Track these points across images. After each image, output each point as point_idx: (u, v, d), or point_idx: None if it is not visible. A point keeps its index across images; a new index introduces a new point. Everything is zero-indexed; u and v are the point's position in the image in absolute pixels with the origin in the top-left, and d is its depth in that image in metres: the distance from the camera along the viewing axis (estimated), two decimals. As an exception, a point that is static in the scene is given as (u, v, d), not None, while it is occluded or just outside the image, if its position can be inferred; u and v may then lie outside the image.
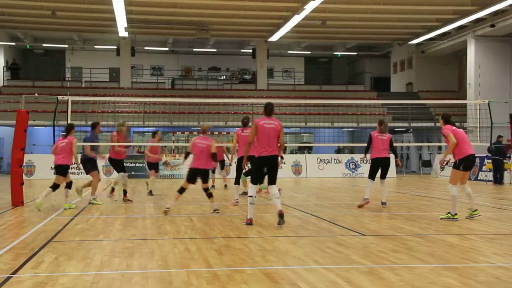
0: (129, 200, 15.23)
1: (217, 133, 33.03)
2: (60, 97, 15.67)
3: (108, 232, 9.87)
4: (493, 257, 7.69)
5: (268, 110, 10.64)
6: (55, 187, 13.31)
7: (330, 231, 9.94)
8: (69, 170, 13.61)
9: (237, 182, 14.72)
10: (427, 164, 32.59)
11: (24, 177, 15.58)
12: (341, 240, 8.89)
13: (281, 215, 10.33)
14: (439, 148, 32.64)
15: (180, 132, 32.73)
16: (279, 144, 10.52)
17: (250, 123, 14.77)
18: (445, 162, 12.59)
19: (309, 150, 34.11)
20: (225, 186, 20.84)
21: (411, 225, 10.73)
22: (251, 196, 10.62)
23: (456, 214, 11.27)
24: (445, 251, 8.02)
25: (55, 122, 15.23)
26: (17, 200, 13.97)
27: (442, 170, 29.23)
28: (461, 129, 11.71)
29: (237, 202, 14.46)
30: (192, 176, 12.35)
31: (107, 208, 13.70)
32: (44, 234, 9.49)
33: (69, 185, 13.52)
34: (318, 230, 10.05)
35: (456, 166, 11.38)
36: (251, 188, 10.69)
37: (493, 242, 8.91)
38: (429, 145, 33.65)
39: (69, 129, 13.59)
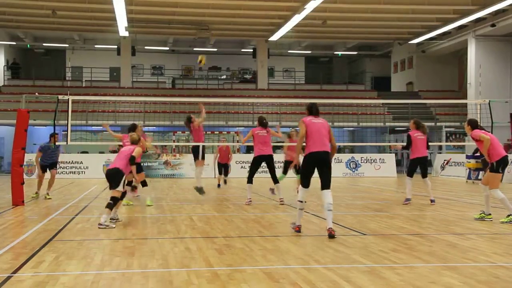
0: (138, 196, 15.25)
1: (217, 132, 33.08)
2: (60, 97, 15.57)
3: (109, 232, 9.85)
4: (493, 256, 7.68)
5: (315, 109, 9.68)
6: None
7: (331, 231, 9.90)
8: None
9: (249, 181, 14.42)
10: (428, 163, 32.38)
11: (25, 176, 15.60)
12: (342, 240, 8.88)
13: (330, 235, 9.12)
14: (440, 147, 32.61)
15: (180, 132, 32.59)
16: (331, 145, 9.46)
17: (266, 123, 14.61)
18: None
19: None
20: (225, 182, 21.20)
21: (411, 224, 10.72)
22: (301, 201, 9.63)
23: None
24: (445, 251, 8.01)
25: (55, 121, 15.16)
26: (18, 200, 13.93)
27: (443, 169, 29.15)
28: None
29: (250, 201, 14.40)
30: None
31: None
32: (45, 234, 9.48)
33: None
34: (319, 230, 10.03)
35: (494, 169, 10.98)
36: (302, 192, 9.58)
37: (494, 241, 8.91)
38: (430, 145, 33.49)
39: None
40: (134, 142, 11.33)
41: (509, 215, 10.91)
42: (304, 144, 9.50)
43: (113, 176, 10.61)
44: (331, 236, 9.01)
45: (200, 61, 15.74)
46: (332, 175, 9.23)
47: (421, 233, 9.59)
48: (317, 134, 9.29)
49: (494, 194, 10.90)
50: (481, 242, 8.82)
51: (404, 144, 14.71)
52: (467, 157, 25.22)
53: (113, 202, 10.50)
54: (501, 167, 11.00)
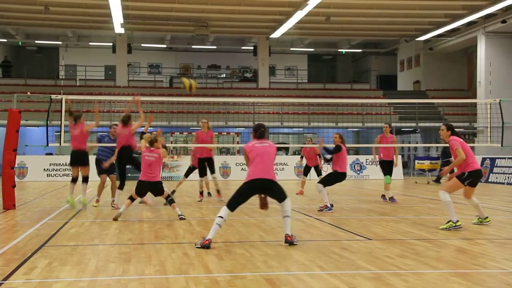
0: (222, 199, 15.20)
1: (216, 133, 32.60)
2: (53, 96, 15.56)
3: (104, 237, 9.78)
4: (504, 262, 7.54)
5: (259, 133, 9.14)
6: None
7: (334, 235, 9.91)
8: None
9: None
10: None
11: (16, 179, 15.56)
12: (346, 245, 8.80)
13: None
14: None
15: (178, 133, 32.35)
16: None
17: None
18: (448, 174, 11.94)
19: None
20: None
21: (418, 229, 10.55)
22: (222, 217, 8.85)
23: (458, 221, 10.34)
24: (454, 256, 7.91)
25: (48, 122, 15.08)
26: (9, 203, 13.73)
27: (451, 172, 28.49)
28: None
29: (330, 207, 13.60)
30: None
31: (102, 212, 13.54)
32: (37, 239, 9.38)
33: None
34: (322, 234, 10.06)
35: (462, 179, 10.46)
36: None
37: (505, 247, 8.73)
38: (438, 146, 32.91)
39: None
40: (151, 144, 11.96)
41: (449, 221, 10.42)
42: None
43: (155, 186, 11.99)
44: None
45: (190, 86, 14.64)
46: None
47: (429, 238, 9.44)
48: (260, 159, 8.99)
49: (440, 194, 10.57)
50: (491, 247, 8.68)
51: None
52: (417, 158, 25.49)
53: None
54: (471, 181, 10.54)
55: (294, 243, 8.68)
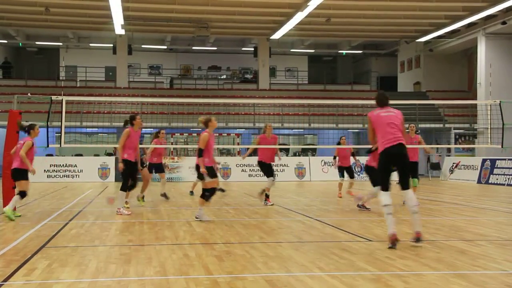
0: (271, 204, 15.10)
1: (217, 134, 32.57)
2: (54, 97, 15.25)
3: (104, 238, 9.73)
4: (505, 264, 7.52)
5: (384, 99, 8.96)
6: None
7: (334, 237, 9.87)
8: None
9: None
10: (436, 166, 31.84)
11: None
12: (346, 246, 8.77)
13: (417, 239, 8.54)
14: (448, 150, 32.22)
15: (179, 134, 32.39)
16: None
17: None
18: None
19: (313, 152, 33.65)
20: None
21: None
22: (387, 205, 8.56)
23: None
24: (454, 258, 7.85)
25: (48, 123, 14.79)
26: None
27: (452, 173, 28.68)
28: None
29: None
30: None
31: (102, 213, 13.56)
32: (37, 240, 9.36)
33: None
34: (323, 236, 9.99)
35: None
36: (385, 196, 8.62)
37: (505, 248, 8.70)
38: (438, 147, 32.96)
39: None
40: (205, 125, 11.59)
41: None
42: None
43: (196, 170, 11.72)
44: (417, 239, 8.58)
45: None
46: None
47: (429, 239, 9.32)
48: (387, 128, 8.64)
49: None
50: (492, 248, 8.61)
51: None
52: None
53: (210, 193, 11.45)
54: None
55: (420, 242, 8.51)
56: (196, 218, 11.64)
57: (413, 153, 15.19)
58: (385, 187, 8.62)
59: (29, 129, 12.54)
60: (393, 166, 8.66)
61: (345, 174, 17.65)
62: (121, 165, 12.84)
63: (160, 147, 16.82)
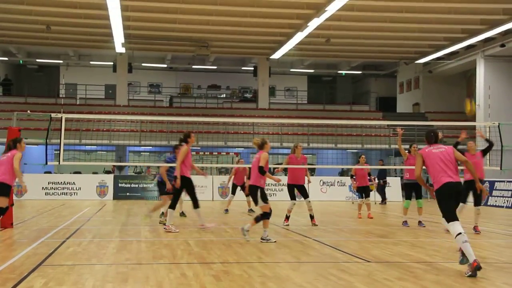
0: (315, 224, 14.99)
1: (216, 153, 32.60)
2: (53, 115, 15.39)
3: (101, 256, 9.69)
4: (503, 286, 7.51)
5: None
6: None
7: (333, 257, 9.83)
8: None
9: None
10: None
11: (14, 197, 15.41)
12: (344, 267, 8.74)
13: (476, 268, 8.07)
14: None
15: None
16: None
17: None
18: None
19: (312, 172, 33.48)
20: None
21: (417, 251, 10.53)
22: (460, 233, 8.34)
23: None
24: (453, 280, 7.83)
25: (48, 140, 14.96)
26: (6, 222, 13.52)
27: None
28: None
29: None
30: None
31: (100, 231, 13.51)
32: (34, 258, 9.30)
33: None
34: (321, 256, 10.00)
35: None
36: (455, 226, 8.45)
37: (504, 271, 8.70)
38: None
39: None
40: (260, 147, 11.56)
41: None
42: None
43: (251, 194, 11.34)
44: (477, 268, 8.05)
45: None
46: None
47: (428, 261, 9.37)
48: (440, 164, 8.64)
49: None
50: (491, 271, 8.53)
51: None
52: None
53: (261, 217, 11.16)
54: None
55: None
56: (262, 240, 11.33)
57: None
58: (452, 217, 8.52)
59: (15, 143, 11.93)
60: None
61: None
62: (178, 182, 12.72)
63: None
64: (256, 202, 11.31)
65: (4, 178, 11.54)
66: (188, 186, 12.95)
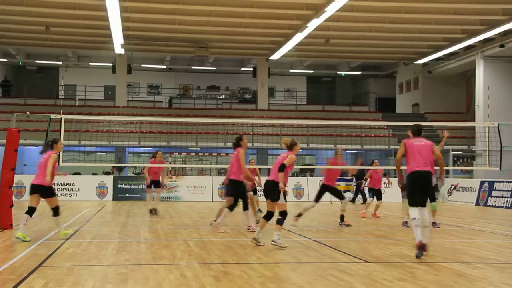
0: (348, 224, 15.09)
1: (215, 154, 32.57)
2: (53, 116, 15.54)
3: (101, 257, 9.68)
4: (503, 287, 7.49)
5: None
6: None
7: (332, 258, 9.83)
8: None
9: None
10: (434, 188, 31.66)
11: (14, 198, 15.16)
12: (344, 267, 8.74)
13: (419, 247, 9.58)
14: (447, 172, 31.95)
15: (177, 153, 32.21)
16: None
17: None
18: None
19: (311, 172, 33.51)
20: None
21: None
22: (415, 218, 9.76)
23: None
24: (453, 280, 7.81)
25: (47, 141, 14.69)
26: (6, 223, 13.61)
27: (450, 195, 28.58)
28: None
29: None
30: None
31: (99, 232, 13.56)
32: (34, 259, 9.31)
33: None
34: (320, 257, 9.97)
35: None
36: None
37: (503, 271, 8.71)
38: (436, 169, 32.84)
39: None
40: (289, 148, 11.31)
41: None
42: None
43: (269, 189, 10.92)
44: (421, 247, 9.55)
45: None
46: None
47: (427, 261, 9.36)
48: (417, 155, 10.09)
49: None
50: (490, 271, 8.61)
51: None
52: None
53: (282, 217, 10.76)
54: None
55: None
56: (273, 242, 10.73)
57: None
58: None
59: (52, 143, 12.38)
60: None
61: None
62: (250, 183, 13.23)
63: (156, 166, 17.68)
64: (276, 198, 10.75)
65: (42, 180, 11.88)
66: (240, 189, 13.28)
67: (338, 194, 15.14)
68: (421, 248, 9.55)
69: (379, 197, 18.05)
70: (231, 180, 13.36)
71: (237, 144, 13.49)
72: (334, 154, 15.52)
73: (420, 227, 9.61)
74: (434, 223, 14.91)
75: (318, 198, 14.94)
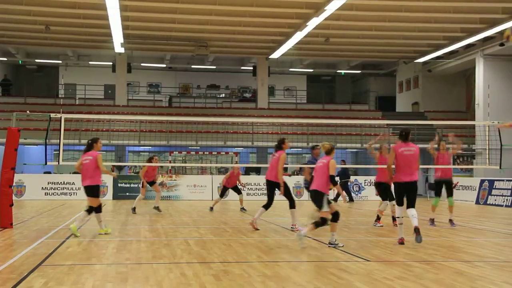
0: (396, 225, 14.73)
1: (215, 153, 32.55)
2: (53, 115, 15.40)
3: (101, 256, 9.70)
4: (503, 285, 7.48)
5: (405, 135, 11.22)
6: (91, 210, 12.61)
7: (332, 256, 9.83)
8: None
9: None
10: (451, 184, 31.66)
11: (14, 197, 15.27)
12: (344, 266, 8.73)
13: (416, 230, 10.76)
14: None
15: (177, 152, 32.19)
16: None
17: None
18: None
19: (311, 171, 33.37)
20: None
21: (417, 251, 10.46)
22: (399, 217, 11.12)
23: None
24: (453, 279, 7.80)
25: (47, 140, 15.01)
26: (6, 222, 13.60)
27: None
28: None
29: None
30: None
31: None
32: (34, 258, 9.29)
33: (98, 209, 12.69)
34: (320, 255, 9.97)
35: None
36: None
37: (503, 269, 8.70)
38: (436, 167, 32.76)
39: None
40: (327, 152, 11.18)
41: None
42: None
43: (315, 198, 10.88)
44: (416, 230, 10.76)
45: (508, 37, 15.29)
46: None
47: (427, 260, 9.37)
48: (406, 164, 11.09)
49: None
50: (490, 270, 8.58)
51: None
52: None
53: (321, 222, 10.68)
54: None
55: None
56: (330, 244, 10.77)
57: (445, 170, 15.26)
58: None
59: (92, 143, 12.74)
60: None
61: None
62: (282, 190, 13.17)
63: (152, 165, 18.77)
64: (320, 207, 10.69)
65: (93, 180, 12.40)
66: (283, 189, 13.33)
67: (390, 194, 14.55)
68: (402, 244, 10.86)
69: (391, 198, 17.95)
70: (270, 181, 13.51)
71: (279, 146, 13.52)
72: (379, 151, 15.36)
73: (404, 225, 11.05)
74: (451, 221, 15.02)
75: (385, 197, 14.72)
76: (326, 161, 10.81)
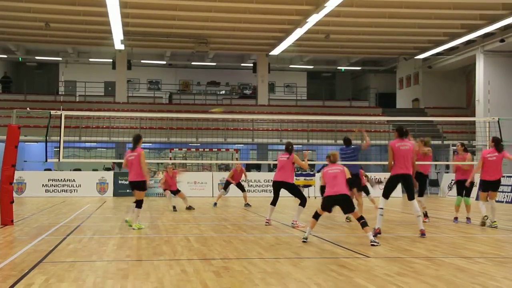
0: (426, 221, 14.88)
1: (215, 149, 32.57)
2: (53, 112, 15.50)
3: (102, 253, 9.73)
4: (504, 281, 7.49)
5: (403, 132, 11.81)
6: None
7: (333, 253, 9.85)
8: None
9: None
10: (435, 183, 31.75)
11: (15, 194, 15.39)
12: (345, 263, 8.75)
13: (377, 234, 11.30)
14: (447, 167, 31.99)
15: (177, 149, 32.22)
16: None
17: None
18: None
19: (312, 168, 33.41)
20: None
21: (417, 247, 10.54)
22: (381, 208, 11.73)
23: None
24: (453, 275, 7.83)
25: (47, 137, 15.10)
26: (7, 219, 13.68)
27: (450, 190, 28.57)
28: None
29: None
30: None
31: (100, 228, 13.56)
32: (35, 255, 9.32)
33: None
34: (321, 252, 10.00)
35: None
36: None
37: (504, 265, 8.71)
38: (436, 164, 32.81)
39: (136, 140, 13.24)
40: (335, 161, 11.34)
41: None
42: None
43: (343, 202, 10.93)
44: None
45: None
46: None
47: (428, 256, 9.44)
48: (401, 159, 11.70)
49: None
50: (490, 266, 8.60)
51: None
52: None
53: (363, 220, 10.81)
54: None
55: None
56: (372, 243, 10.55)
57: (463, 170, 15.58)
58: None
59: (136, 142, 13.16)
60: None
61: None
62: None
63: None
64: (352, 210, 10.90)
65: (138, 176, 12.85)
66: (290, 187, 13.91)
67: (467, 190, 15.38)
68: (379, 234, 11.55)
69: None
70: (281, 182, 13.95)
71: (289, 149, 14.05)
72: (457, 151, 15.91)
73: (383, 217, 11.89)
74: (467, 219, 15.15)
75: (462, 193, 15.42)
76: (342, 168, 11.00)
